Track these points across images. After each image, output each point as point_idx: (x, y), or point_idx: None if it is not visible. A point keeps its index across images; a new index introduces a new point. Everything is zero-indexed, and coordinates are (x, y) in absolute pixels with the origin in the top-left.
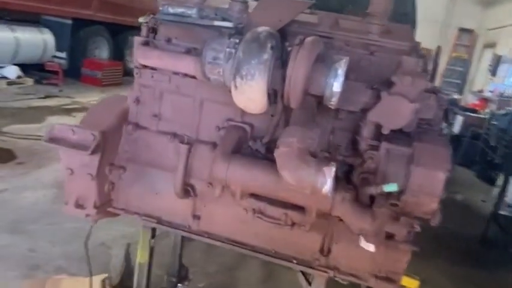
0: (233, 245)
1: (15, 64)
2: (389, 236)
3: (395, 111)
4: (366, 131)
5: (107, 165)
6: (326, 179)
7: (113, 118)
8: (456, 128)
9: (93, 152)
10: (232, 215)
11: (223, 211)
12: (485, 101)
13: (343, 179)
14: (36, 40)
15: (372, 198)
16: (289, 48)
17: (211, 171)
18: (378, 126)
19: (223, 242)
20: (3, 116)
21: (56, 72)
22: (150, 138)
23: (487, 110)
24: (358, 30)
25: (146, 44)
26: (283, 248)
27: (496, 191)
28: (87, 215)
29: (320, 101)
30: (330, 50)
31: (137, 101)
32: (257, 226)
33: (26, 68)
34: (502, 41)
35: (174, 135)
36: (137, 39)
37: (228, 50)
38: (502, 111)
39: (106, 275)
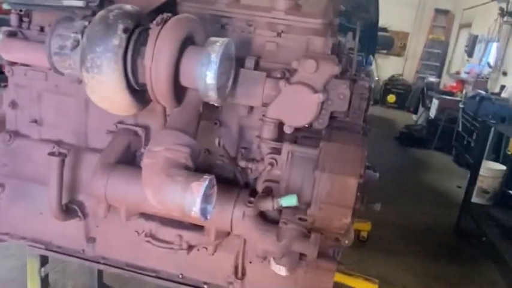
0: (132, 271)
1: None
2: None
3: (297, 104)
4: (266, 131)
5: None
6: (194, 199)
7: None
8: (432, 112)
9: None
10: (127, 237)
11: (117, 232)
12: (462, 83)
13: (247, 190)
14: None
15: (280, 212)
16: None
17: (89, 186)
18: (281, 124)
19: (122, 268)
20: None
21: None
22: (31, 149)
23: (463, 93)
24: (262, 7)
25: (12, 35)
26: (191, 271)
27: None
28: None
29: None
30: (227, 32)
31: (13, 104)
32: (157, 249)
33: None
34: (477, 20)
35: (58, 143)
36: (2, 30)
37: (73, 35)
38: (471, 93)
39: None
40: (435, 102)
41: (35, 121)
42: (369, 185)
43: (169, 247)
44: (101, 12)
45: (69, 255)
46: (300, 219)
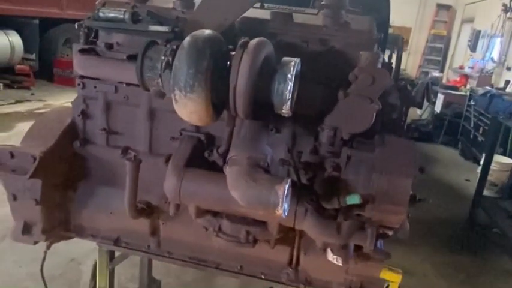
0: (196, 263)
1: None
2: (359, 247)
3: (355, 113)
4: (325, 137)
5: (53, 187)
6: (279, 199)
7: (55, 135)
8: (438, 107)
9: (32, 176)
10: (192, 233)
11: (183, 229)
12: (466, 77)
13: (307, 188)
14: (2, 43)
15: (337, 209)
16: (232, 53)
17: (164, 188)
18: (338, 131)
19: (185, 261)
20: None
21: (27, 75)
22: (100, 154)
23: (467, 87)
24: (313, 25)
25: (85, 51)
26: (249, 263)
27: (480, 169)
28: (35, 242)
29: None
30: (282, 49)
31: (83, 114)
32: (219, 242)
33: None
34: (480, 15)
35: (125, 149)
36: (75, 46)
37: (164, 58)
38: (481, 91)
39: None
40: (440, 97)
41: (104, 129)
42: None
43: (237, 241)
44: (189, 38)
45: (136, 249)
46: (357, 215)
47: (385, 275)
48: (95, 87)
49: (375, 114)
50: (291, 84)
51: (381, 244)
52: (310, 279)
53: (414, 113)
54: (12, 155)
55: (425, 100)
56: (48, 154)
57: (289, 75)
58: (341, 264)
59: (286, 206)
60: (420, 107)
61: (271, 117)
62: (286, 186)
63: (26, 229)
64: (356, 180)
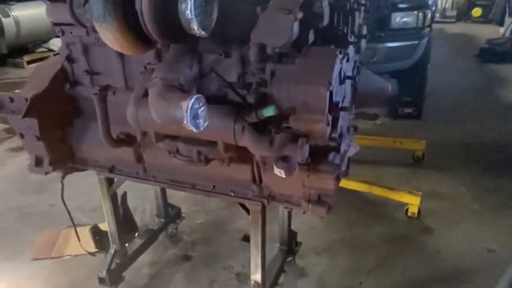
0: (175, 185)
1: None
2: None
3: (274, 27)
4: (252, 54)
5: (51, 125)
6: (183, 113)
7: (48, 80)
8: None
9: (26, 115)
10: (164, 157)
11: (160, 155)
12: None
13: (246, 107)
14: None
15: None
16: None
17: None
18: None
19: (167, 183)
20: None
21: None
22: (88, 94)
23: None
24: None
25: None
26: (220, 182)
27: None
28: (46, 173)
29: None
30: None
31: (68, 59)
32: (190, 165)
33: None
34: None
35: (105, 87)
36: None
37: None
38: None
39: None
40: None
41: (86, 71)
42: (381, 96)
43: (190, 161)
44: None
45: (128, 175)
46: (286, 127)
47: (403, 197)
48: (71, 32)
49: (294, 26)
50: (190, 3)
51: (336, 157)
52: (273, 194)
53: (495, 32)
54: (11, 100)
55: (506, 15)
56: (39, 96)
57: None
58: (284, 176)
59: (200, 121)
60: (501, 24)
61: (195, 39)
62: (190, 102)
63: (38, 162)
64: (280, 94)
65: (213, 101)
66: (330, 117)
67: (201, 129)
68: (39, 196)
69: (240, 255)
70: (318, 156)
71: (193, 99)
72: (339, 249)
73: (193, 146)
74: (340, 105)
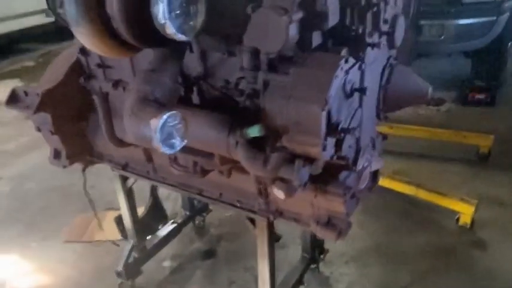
0: (183, 189)
1: None
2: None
3: (267, 29)
4: (245, 60)
5: (66, 119)
6: (151, 132)
7: (62, 74)
8: None
9: (37, 111)
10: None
11: (166, 156)
12: None
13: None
14: None
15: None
16: None
17: None
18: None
19: (175, 186)
20: None
21: None
22: (98, 87)
23: None
24: None
25: None
26: (227, 190)
27: None
28: (64, 166)
29: None
30: None
31: (82, 52)
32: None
33: None
34: None
35: (116, 82)
36: None
37: None
38: None
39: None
40: None
41: (98, 65)
42: (418, 100)
43: (186, 171)
44: None
45: (139, 174)
46: (283, 147)
47: (455, 205)
48: None
49: (290, 28)
50: (163, 5)
51: (347, 177)
52: (280, 210)
53: None
54: (26, 94)
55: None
56: (52, 91)
57: None
58: (282, 197)
59: (176, 141)
60: None
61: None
62: (161, 121)
63: (56, 155)
64: (273, 109)
65: (215, 104)
66: (330, 141)
67: (177, 149)
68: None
69: None
70: (327, 175)
71: (165, 117)
72: (371, 258)
73: (190, 155)
74: (343, 125)
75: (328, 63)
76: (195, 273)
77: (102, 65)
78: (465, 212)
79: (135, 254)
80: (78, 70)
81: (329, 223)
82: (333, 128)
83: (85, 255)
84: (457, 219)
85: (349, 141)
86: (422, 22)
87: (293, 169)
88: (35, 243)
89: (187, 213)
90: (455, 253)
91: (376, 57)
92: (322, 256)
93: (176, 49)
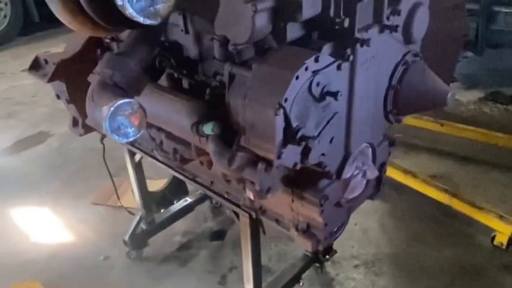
0: (180, 172)
1: None
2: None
3: (233, 17)
4: (215, 49)
5: (82, 89)
6: (101, 120)
7: (80, 45)
8: None
9: (51, 80)
10: None
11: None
12: None
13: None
14: None
15: None
16: None
17: None
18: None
19: (173, 169)
20: None
21: None
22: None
23: None
24: None
25: None
26: (218, 180)
27: None
28: (80, 135)
29: None
30: None
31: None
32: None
33: None
34: None
35: None
36: None
37: None
38: None
39: None
40: None
41: (112, 38)
42: (435, 104)
43: (167, 157)
44: None
45: (144, 151)
46: (244, 147)
47: (491, 221)
48: None
49: (257, 17)
50: None
51: (335, 188)
52: (264, 208)
53: None
54: (46, 62)
55: None
56: (68, 61)
57: None
58: (252, 199)
59: (131, 130)
60: None
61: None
62: (111, 108)
63: (74, 123)
64: (234, 106)
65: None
66: (291, 148)
67: (131, 139)
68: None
69: (272, 246)
70: (304, 180)
71: (116, 105)
72: (385, 266)
73: (171, 142)
74: (307, 132)
75: (292, 61)
76: (200, 253)
77: (117, 39)
78: (502, 231)
79: (143, 226)
80: (96, 43)
81: (307, 231)
82: (291, 135)
83: (107, 219)
84: (493, 238)
85: (322, 148)
86: (496, 9)
87: (255, 172)
88: (66, 200)
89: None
90: (483, 275)
91: (378, 54)
92: (327, 256)
93: (149, 34)
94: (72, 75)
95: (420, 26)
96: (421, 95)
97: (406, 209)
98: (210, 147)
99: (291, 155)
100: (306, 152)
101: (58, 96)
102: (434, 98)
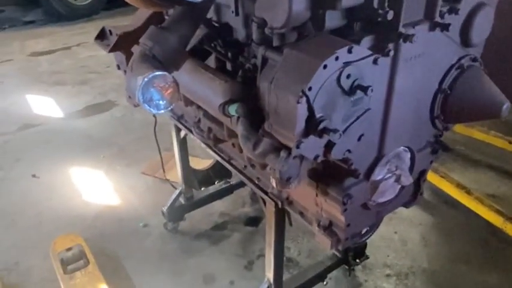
0: (217, 152)
1: None
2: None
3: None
4: (254, 31)
5: None
6: (135, 89)
7: (142, 19)
8: None
9: (112, 50)
10: None
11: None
12: None
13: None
14: None
15: None
16: None
17: None
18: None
19: (212, 149)
20: None
21: None
22: None
23: None
24: None
25: None
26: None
27: None
28: (135, 105)
29: None
30: None
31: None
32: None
33: None
34: None
35: None
36: None
37: None
38: None
39: None
40: None
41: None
42: (489, 114)
43: (202, 135)
44: None
45: (187, 127)
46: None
47: None
48: None
49: (297, 2)
50: None
51: (362, 188)
52: (291, 199)
53: None
54: (111, 33)
55: None
56: (129, 34)
57: None
58: (275, 187)
59: (162, 103)
60: None
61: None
62: (146, 79)
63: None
64: (263, 89)
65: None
66: (312, 139)
67: (162, 111)
68: None
69: (305, 241)
70: (330, 176)
71: (150, 76)
72: (419, 281)
73: (207, 121)
74: (331, 125)
75: (323, 50)
76: (233, 235)
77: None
78: None
79: (181, 200)
80: (158, 18)
81: (328, 228)
82: (313, 126)
83: (152, 190)
84: None
85: (348, 144)
86: None
87: (278, 159)
88: (119, 167)
89: None
90: None
91: (427, 53)
92: (358, 260)
93: (193, 12)
94: (131, 48)
95: (481, 28)
96: (474, 103)
97: (453, 225)
98: (238, 129)
99: (312, 146)
100: (329, 146)
101: (118, 67)
102: (488, 108)
